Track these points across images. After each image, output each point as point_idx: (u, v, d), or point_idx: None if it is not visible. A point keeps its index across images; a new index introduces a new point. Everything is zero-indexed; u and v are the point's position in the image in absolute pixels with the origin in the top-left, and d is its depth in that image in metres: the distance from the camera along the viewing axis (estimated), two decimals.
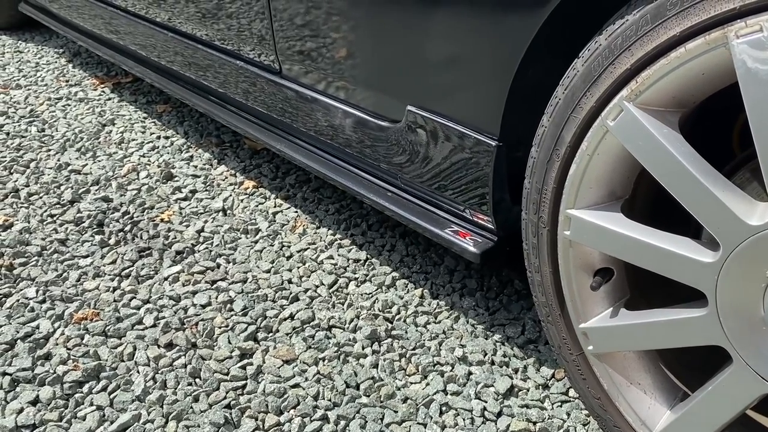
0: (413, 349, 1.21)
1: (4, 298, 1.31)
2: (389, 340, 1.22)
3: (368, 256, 1.46)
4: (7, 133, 1.99)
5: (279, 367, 1.16)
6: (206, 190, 1.71)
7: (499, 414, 1.09)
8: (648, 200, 0.89)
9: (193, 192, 1.70)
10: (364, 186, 1.31)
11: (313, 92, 1.33)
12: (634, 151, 0.74)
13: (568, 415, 1.08)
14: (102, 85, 2.36)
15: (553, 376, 1.16)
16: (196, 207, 1.63)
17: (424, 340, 1.23)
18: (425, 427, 1.06)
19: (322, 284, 1.37)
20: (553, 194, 0.86)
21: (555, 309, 0.93)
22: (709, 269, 0.72)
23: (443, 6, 0.95)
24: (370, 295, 1.34)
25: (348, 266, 1.43)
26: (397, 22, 1.05)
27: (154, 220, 1.58)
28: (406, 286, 1.37)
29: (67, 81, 2.40)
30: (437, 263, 1.44)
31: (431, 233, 1.15)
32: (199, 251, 1.47)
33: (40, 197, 1.66)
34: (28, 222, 1.56)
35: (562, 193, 0.85)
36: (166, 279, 1.37)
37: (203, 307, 1.30)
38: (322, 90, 1.30)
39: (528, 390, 1.13)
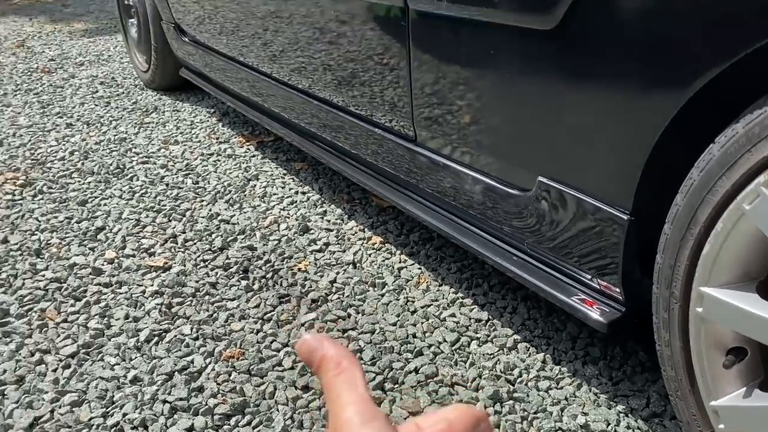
0: (535, 412, 1.23)
1: (164, 333, 1.48)
2: (511, 401, 1.26)
3: (490, 316, 1.51)
4: (167, 184, 2.25)
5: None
6: (338, 244, 1.84)
7: None
8: None
9: (327, 245, 1.84)
10: (489, 248, 1.37)
11: (445, 159, 1.42)
12: None
13: None
14: (247, 143, 2.61)
15: None
16: (329, 259, 1.76)
17: (545, 405, 1.25)
18: None
19: (445, 341, 1.43)
20: (686, 271, 0.88)
21: (685, 384, 0.94)
22: None
23: (580, 82, 1.02)
24: (492, 356, 1.38)
25: (470, 325, 1.48)
26: (533, 97, 1.12)
27: (292, 269, 1.72)
28: (528, 350, 1.40)
29: (218, 138, 2.67)
30: (559, 329, 1.46)
31: (558, 300, 1.19)
32: (332, 300, 1.58)
33: (195, 243, 1.86)
34: (184, 265, 1.75)
35: (695, 270, 0.87)
36: (302, 325, 1.50)
37: None
38: (455, 158, 1.39)
39: None
